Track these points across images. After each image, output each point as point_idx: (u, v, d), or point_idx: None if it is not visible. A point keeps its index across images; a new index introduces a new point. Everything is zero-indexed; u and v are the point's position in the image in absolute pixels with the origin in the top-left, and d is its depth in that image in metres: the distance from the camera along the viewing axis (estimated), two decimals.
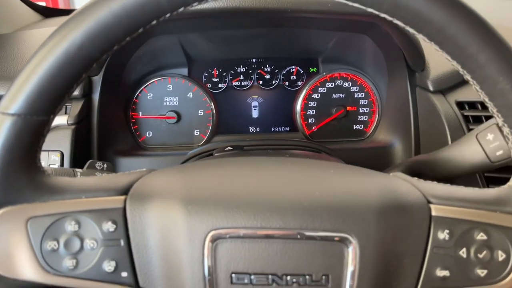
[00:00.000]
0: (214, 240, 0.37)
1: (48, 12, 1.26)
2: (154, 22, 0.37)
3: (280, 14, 0.80)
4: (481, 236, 0.39)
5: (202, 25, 0.90)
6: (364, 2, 0.36)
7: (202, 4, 0.38)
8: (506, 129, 0.39)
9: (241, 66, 1.04)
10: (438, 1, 0.35)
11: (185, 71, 1.02)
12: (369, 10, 0.36)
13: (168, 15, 0.37)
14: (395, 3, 0.35)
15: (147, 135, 1.02)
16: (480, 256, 0.39)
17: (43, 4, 1.26)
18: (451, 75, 0.82)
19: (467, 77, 0.38)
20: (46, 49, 0.36)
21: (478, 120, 0.79)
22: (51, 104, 0.37)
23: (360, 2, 0.36)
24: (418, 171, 0.70)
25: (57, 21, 1.18)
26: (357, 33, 0.94)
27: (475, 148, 0.60)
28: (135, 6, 0.36)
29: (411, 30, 0.37)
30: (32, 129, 0.37)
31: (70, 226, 0.38)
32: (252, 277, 0.37)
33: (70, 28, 0.36)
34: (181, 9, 0.37)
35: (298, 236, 0.37)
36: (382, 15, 0.36)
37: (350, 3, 0.36)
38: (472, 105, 0.80)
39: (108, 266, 0.38)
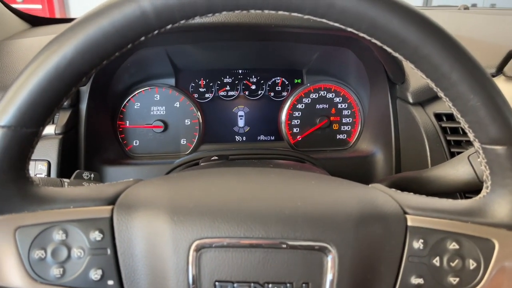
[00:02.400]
0: (199, 249, 0.38)
1: (35, 21, 1.25)
2: (143, 38, 0.38)
3: (265, 29, 0.82)
4: (453, 246, 0.40)
5: (189, 38, 0.91)
6: (344, 22, 0.37)
7: (189, 22, 0.39)
8: (476, 144, 0.40)
9: (227, 77, 1.05)
10: (413, 23, 0.36)
11: (172, 81, 1.03)
12: (349, 29, 0.38)
13: (156, 32, 0.38)
14: (373, 24, 0.36)
15: (134, 144, 1.03)
16: (453, 264, 0.40)
17: (39, 7, 1.24)
18: (429, 88, 0.83)
19: (441, 94, 0.39)
20: (36, 63, 0.37)
21: (455, 131, 0.82)
22: (41, 116, 0.38)
23: (340, 22, 0.37)
24: (404, 187, 0.71)
25: (44, 30, 1.17)
26: (340, 47, 0.96)
27: (467, 168, 0.64)
28: (124, 23, 0.36)
29: (388, 49, 0.38)
30: (22, 140, 0.38)
31: (57, 235, 0.39)
32: (235, 285, 0.38)
33: (61, 43, 0.37)
34: (169, 26, 0.38)
35: (282, 246, 0.38)
36: (361, 34, 0.38)
37: (331, 23, 0.38)
38: (449, 116, 0.83)
39: (95, 274, 0.39)
